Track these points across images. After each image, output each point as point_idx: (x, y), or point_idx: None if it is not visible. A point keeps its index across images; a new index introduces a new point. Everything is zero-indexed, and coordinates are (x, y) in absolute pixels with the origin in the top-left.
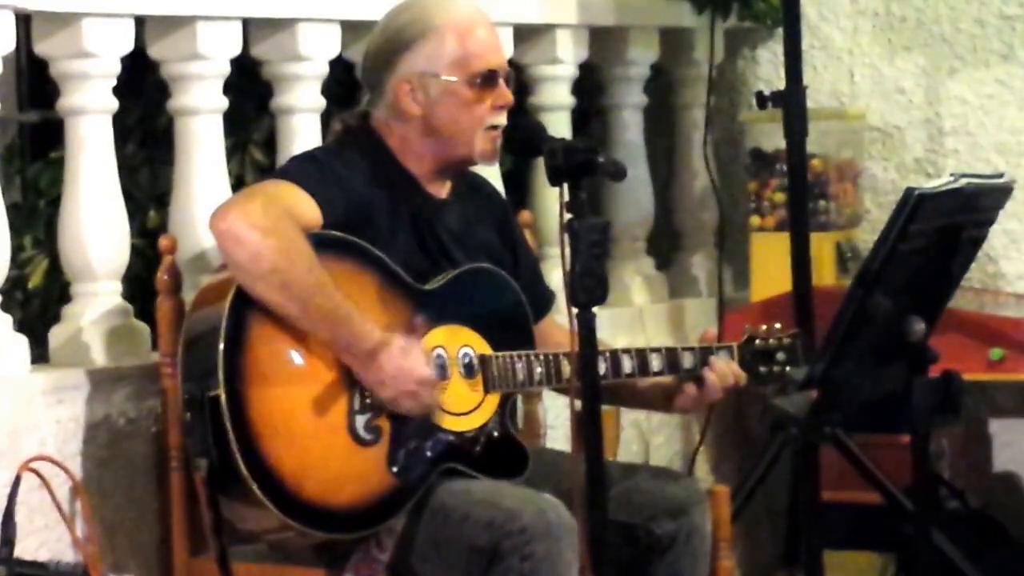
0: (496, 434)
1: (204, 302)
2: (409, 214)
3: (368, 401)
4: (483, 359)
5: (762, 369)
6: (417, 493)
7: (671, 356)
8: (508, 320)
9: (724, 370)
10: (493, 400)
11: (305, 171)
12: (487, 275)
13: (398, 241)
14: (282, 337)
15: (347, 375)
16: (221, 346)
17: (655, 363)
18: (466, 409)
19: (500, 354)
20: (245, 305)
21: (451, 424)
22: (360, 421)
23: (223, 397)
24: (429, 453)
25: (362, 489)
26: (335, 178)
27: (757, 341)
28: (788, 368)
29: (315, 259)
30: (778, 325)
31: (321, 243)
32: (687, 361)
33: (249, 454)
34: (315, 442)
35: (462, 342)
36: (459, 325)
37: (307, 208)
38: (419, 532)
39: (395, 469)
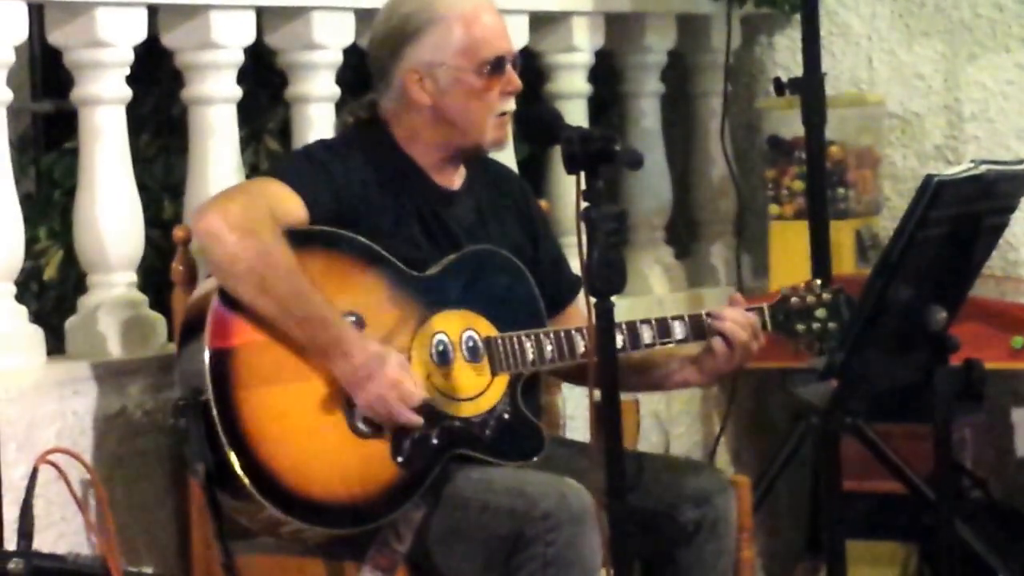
0: (507, 416)
1: (194, 306)
2: (415, 206)
3: None
4: (488, 341)
5: (799, 327)
6: (425, 483)
7: (695, 322)
8: (515, 301)
9: (736, 316)
10: (501, 382)
11: (295, 168)
12: (489, 256)
13: (403, 234)
14: (271, 336)
15: None
16: (207, 350)
17: (678, 330)
18: (473, 394)
19: (506, 335)
20: (230, 307)
21: (457, 410)
22: (359, 414)
23: (212, 401)
24: (435, 441)
25: (367, 482)
26: (326, 175)
27: (793, 299)
28: (831, 324)
29: (294, 263)
30: (818, 281)
31: (309, 238)
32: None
33: (243, 455)
34: (313, 438)
35: (466, 326)
36: (463, 309)
37: (292, 206)
38: (438, 522)
39: (400, 460)
